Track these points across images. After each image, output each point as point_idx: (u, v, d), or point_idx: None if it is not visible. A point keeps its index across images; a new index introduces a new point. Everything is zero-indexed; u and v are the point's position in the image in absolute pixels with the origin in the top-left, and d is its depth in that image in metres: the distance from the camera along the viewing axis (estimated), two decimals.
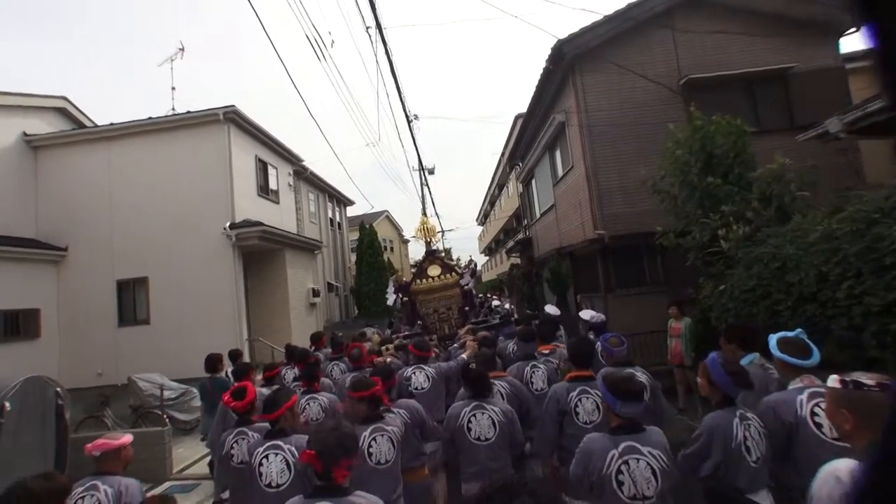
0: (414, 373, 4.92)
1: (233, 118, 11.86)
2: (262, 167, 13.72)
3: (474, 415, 3.35)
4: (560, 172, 12.75)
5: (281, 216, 14.32)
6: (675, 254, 9.68)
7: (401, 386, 4.81)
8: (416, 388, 4.75)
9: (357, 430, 2.74)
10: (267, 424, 3.16)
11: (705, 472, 2.56)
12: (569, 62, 10.31)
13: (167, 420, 8.38)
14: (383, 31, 8.10)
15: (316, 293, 14.99)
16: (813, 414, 2.48)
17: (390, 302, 11.68)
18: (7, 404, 4.65)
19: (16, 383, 4.97)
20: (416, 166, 19.86)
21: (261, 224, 11.48)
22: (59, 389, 5.97)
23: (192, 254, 11.45)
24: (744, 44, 9.90)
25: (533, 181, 16.65)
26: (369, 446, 3.03)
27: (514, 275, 15.81)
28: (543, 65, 10.99)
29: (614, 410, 2.52)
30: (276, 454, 2.92)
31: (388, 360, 5.92)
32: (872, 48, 0.51)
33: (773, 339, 2.84)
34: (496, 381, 3.89)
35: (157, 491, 6.41)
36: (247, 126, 12.56)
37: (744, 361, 3.24)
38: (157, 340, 11.27)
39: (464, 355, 5.27)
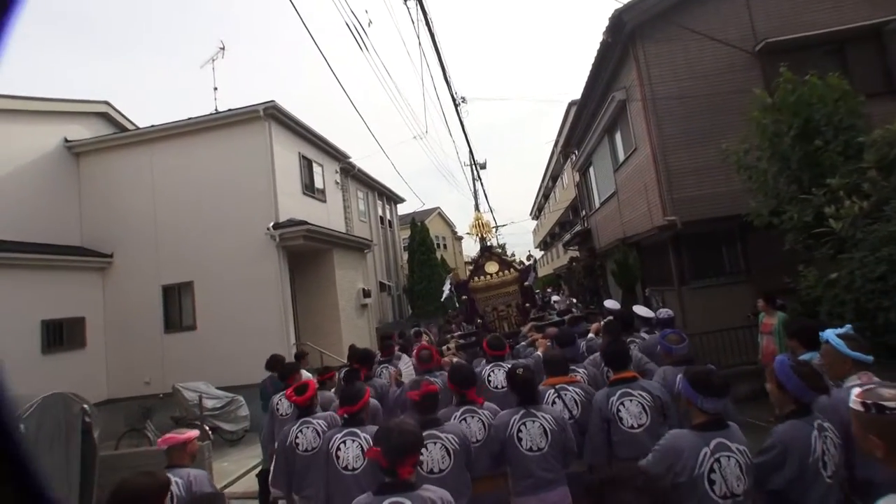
0: (492, 371, 4.72)
1: (273, 114, 11.51)
2: (307, 164, 13.37)
3: (524, 423, 3.14)
4: (621, 156, 11.79)
5: (328, 215, 13.95)
6: (760, 239, 8.66)
7: (479, 385, 4.60)
8: (496, 388, 4.57)
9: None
10: (329, 413, 3.79)
11: (775, 486, 2.35)
12: (629, 32, 9.38)
13: (209, 432, 8.02)
14: (424, 2, 7.43)
15: (367, 294, 14.56)
16: None
17: (443, 297, 11.45)
18: (21, 426, 4.27)
19: (33, 402, 4.61)
20: (467, 160, 19.17)
21: (305, 223, 11.08)
22: (85, 406, 5.55)
23: (236, 256, 11.16)
24: None
25: (590, 169, 15.66)
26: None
27: (575, 268, 14.88)
28: (600, 39, 10.09)
29: (698, 406, 2.44)
30: (354, 440, 3.18)
31: (455, 359, 5.71)
32: None
33: (831, 334, 2.76)
34: (568, 387, 3.71)
35: None
36: (288, 122, 12.20)
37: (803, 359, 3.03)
38: (203, 346, 11.04)
39: (538, 353, 5.10)
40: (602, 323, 5.96)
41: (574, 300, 17.11)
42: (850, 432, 2.22)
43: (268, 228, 10.93)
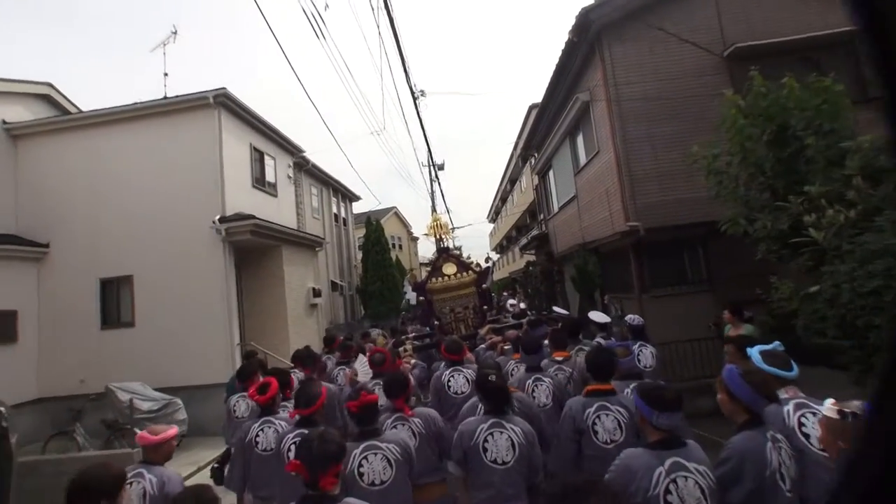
0: (452, 376, 4.65)
1: (224, 102, 10.75)
2: (259, 157, 12.61)
3: (492, 433, 2.97)
4: (583, 160, 11.55)
5: (279, 210, 13.21)
6: (723, 248, 8.49)
7: (438, 390, 4.68)
8: (457, 393, 4.49)
9: (349, 448, 2.70)
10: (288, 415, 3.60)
11: (735, 501, 2.24)
12: (595, 32, 9.11)
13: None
14: None
15: (317, 293, 13.86)
16: (800, 424, 2.50)
17: (413, 301, 11.19)
18: None
19: None
20: (425, 161, 18.69)
21: (253, 217, 10.35)
22: (1, 409, 4.96)
23: (179, 250, 10.36)
24: (799, 5, 8.63)
25: (550, 172, 15.43)
26: (360, 465, 2.87)
27: (532, 273, 14.60)
28: (565, 38, 9.79)
29: (651, 422, 2.33)
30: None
31: (413, 362, 5.70)
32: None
33: (754, 351, 2.82)
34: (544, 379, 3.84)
35: None
36: (240, 112, 11.44)
37: None
38: (142, 345, 10.21)
39: (501, 357, 5.16)
40: (549, 330, 5.78)
41: (523, 306, 16.84)
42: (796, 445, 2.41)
43: (213, 222, 10.17)
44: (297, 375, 5.34)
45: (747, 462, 2.23)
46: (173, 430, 3.12)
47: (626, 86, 9.00)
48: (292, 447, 3.06)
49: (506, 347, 5.74)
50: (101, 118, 11.04)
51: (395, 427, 3.38)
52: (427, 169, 24.49)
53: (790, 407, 2.57)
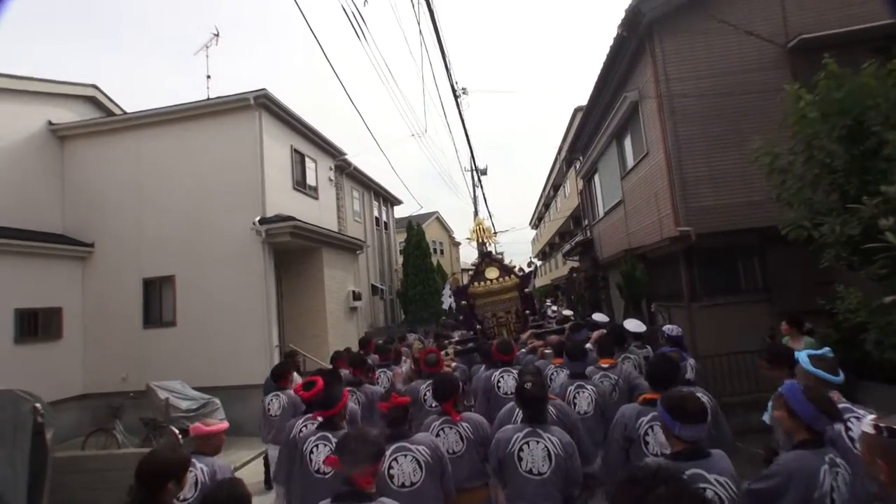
0: (502, 377, 4.65)
1: (264, 104, 10.81)
2: (300, 159, 12.66)
3: (527, 443, 2.89)
4: (630, 163, 11.10)
5: (320, 213, 13.23)
6: (781, 255, 7.97)
7: (487, 391, 4.68)
8: (506, 394, 4.41)
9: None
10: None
11: None
12: (646, 25, 8.68)
13: (179, 436, 7.31)
14: None
15: (357, 296, 13.81)
16: (846, 429, 2.48)
17: (446, 305, 11.06)
18: None
19: None
20: (467, 166, 18.47)
21: (293, 219, 10.35)
22: (38, 405, 5.02)
23: (220, 251, 10.48)
24: None
25: (596, 176, 14.97)
26: (389, 467, 2.84)
27: (576, 279, 14.14)
28: (614, 34, 9.42)
29: (674, 433, 2.28)
30: (326, 445, 3.17)
31: (454, 364, 5.72)
32: None
33: (803, 355, 2.84)
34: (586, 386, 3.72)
35: None
36: (280, 113, 11.50)
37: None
38: (182, 344, 10.36)
39: (540, 361, 5.12)
40: (595, 335, 5.73)
41: (570, 312, 16.35)
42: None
43: (254, 223, 10.22)
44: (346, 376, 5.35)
45: (795, 480, 2.15)
46: (224, 424, 3.28)
47: (678, 82, 8.55)
48: (314, 449, 3.19)
49: (546, 352, 5.61)
50: (145, 119, 11.25)
51: (442, 430, 3.37)
52: (469, 173, 24.35)
53: None
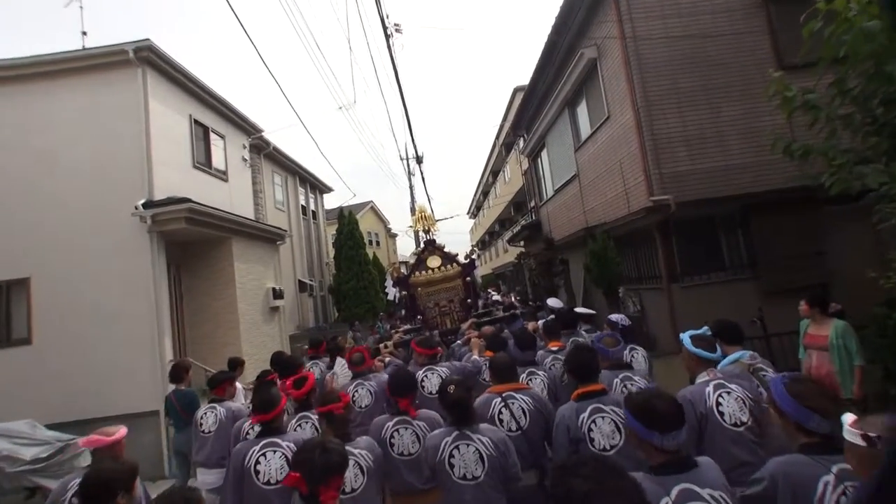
0: (426, 375, 4.55)
1: (149, 59, 8.75)
2: (203, 133, 10.67)
3: (457, 447, 2.73)
4: (586, 132, 9.90)
5: (230, 198, 11.28)
6: (767, 225, 6.93)
7: None
8: (431, 394, 4.35)
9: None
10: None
11: None
12: None
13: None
14: None
15: (278, 294, 11.93)
16: (717, 404, 2.71)
17: (391, 296, 10.87)
18: None
19: None
20: (404, 152, 16.85)
21: (188, 200, 8.40)
22: None
23: (92, 244, 8.34)
24: None
25: (543, 153, 13.74)
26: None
27: (528, 265, 12.85)
28: None
29: (654, 444, 1.91)
30: (275, 451, 2.96)
31: (387, 359, 5.53)
32: None
33: (685, 336, 2.98)
34: (515, 395, 3.25)
35: None
36: (173, 73, 9.44)
37: (729, 359, 3.24)
38: (39, 368, 8.06)
39: (474, 355, 4.99)
40: (541, 322, 5.70)
41: (515, 298, 15.23)
42: (695, 421, 2.69)
43: (136, 207, 8.18)
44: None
45: (784, 487, 1.84)
46: (123, 430, 2.98)
47: (643, 21, 7.38)
48: (260, 459, 2.93)
49: (481, 343, 5.25)
50: None
51: (396, 431, 3.23)
52: (406, 162, 22.72)
53: (710, 388, 2.77)
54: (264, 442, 2.98)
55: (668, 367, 6.01)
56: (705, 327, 3.10)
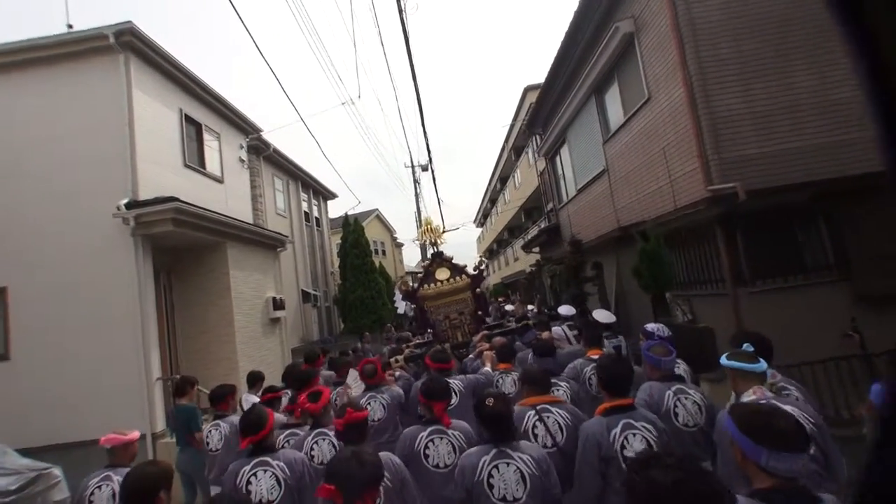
0: None
1: (132, 44, 7.77)
2: (195, 131, 9.68)
3: (496, 466, 2.47)
4: (618, 119, 8.87)
5: (226, 201, 10.26)
6: (860, 217, 5.81)
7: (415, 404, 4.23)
8: None
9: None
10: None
11: None
12: None
13: None
14: None
15: (279, 304, 10.87)
16: None
17: (401, 310, 10.49)
18: None
19: None
20: (411, 160, 15.88)
21: (175, 199, 7.35)
22: None
23: (73, 249, 7.39)
24: None
25: (563, 150, 12.71)
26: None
27: (551, 271, 11.74)
28: None
29: (759, 464, 1.63)
30: (266, 471, 2.87)
31: (398, 373, 5.26)
32: None
33: (723, 357, 2.66)
34: (551, 409, 3.05)
35: None
36: (159, 61, 8.46)
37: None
38: (16, 385, 7.12)
39: (486, 367, 4.85)
40: (559, 328, 5.74)
41: (538, 308, 14.18)
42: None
43: (118, 207, 7.19)
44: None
45: None
46: (137, 433, 3.24)
47: None
48: (251, 479, 2.83)
49: (492, 356, 5.07)
50: None
51: (431, 440, 3.02)
52: (412, 169, 21.72)
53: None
54: (255, 461, 2.89)
55: (723, 390, 4.90)
56: (746, 345, 2.71)
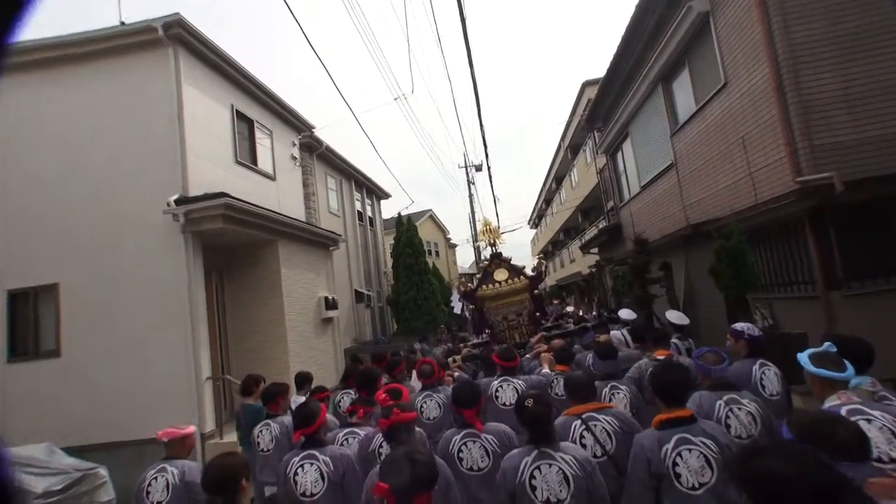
0: (500, 386, 4.32)
1: (182, 38, 7.76)
2: (247, 127, 9.67)
3: (538, 468, 2.42)
4: (688, 109, 8.24)
5: (278, 198, 10.23)
6: None
7: (485, 400, 4.19)
8: (504, 405, 4.15)
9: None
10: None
11: None
12: None
13: None
14: None
15: (332, 304, 10.75)
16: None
17: (457, 310, 10.62)
18: None
19: None
20: (465, 160, 15.60)
21: (225, 195, 7.29)
22: None
23: (124, 246, 7.43)
24: None
25: (626, 145, 12.04)
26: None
27: (614, 273, 11.17)
28: None
29: None
30: (312, 464, 2.94)
31: (456, 374, 5.41)
32: None
33: (803, 356, 2.46)
34: (597, 416, 2.95)
35: None
36: (210, 55, 8.45)
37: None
38: (67, 383, 7.21)
39: (544, 369, 4.90)
40: (617, 333, 5.72)
41: (598, 311, 13.54)
42: None
43: (168, 204, 7.18)
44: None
45: None
46: (193, 427, 3.41)
47: None
48: (298, 471, 2.92)
49: (550, 358, 5.14)
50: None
51: (464, 444, 3.05)
52: (466, 169, 21.44)
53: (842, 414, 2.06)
54: (304, 454, 2.99)
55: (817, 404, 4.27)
56: (827, 343, 2.50)
